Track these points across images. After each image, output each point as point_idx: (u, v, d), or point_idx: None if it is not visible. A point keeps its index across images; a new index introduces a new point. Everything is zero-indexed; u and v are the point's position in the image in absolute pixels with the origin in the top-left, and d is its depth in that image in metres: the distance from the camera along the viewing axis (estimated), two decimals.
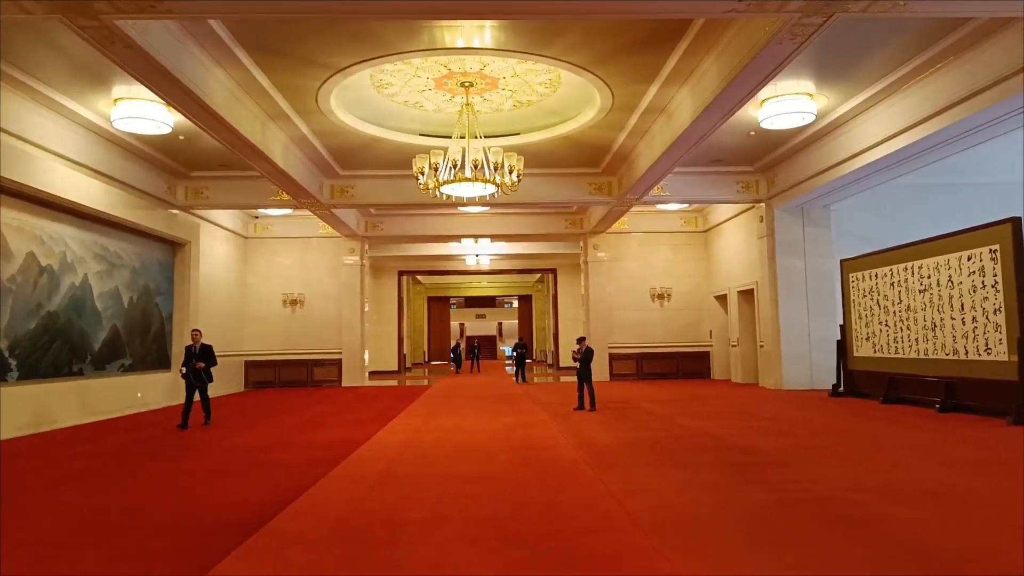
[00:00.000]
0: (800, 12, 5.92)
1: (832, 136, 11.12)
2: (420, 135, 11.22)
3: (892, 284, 10.54)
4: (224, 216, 15.54)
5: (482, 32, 7.47)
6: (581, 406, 10.39)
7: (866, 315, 11.24)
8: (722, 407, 10.52)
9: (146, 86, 7.30)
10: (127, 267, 11.68)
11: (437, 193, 9.55)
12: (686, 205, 16.47)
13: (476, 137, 9.40)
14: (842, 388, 11.75)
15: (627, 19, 5.93)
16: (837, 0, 5.80)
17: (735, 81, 7.43)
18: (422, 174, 9.35)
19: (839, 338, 12.05)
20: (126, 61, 6.65)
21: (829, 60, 8.54)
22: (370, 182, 13.31)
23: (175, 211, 13.23)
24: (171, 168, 12.39)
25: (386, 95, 9.84)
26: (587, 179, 13.40)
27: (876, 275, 10.97)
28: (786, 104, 9.62)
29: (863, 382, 11.29)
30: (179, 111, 8.13)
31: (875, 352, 10.99)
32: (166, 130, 9.72)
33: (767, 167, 13.22)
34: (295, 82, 8.67)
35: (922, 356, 9.78)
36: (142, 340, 12.16)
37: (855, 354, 11.58)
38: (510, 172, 9.32)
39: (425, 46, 7.72)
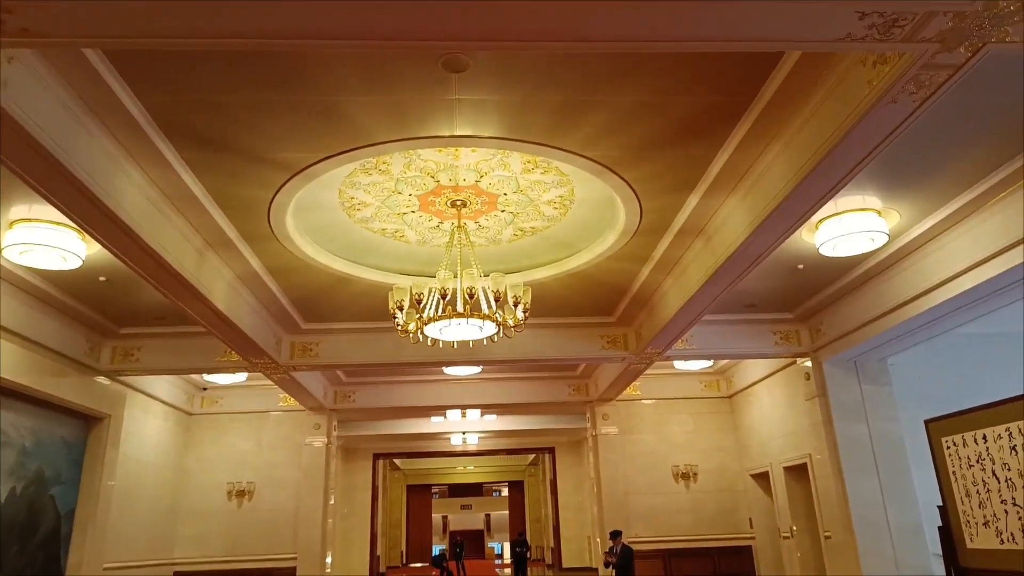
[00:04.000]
0: (940, 43, 4.17)
1: (895, 271, 9.28)
2: (401, 274, 9.23)
3: (1014, 448, 8.12)
4: (162, 386, 13.02)
5: (484, 113, 5.67)
6: None
7: (978, 492, 8.66)
8: None
9: (25, 180, 5.23)
10: (13, 446, 8.95)
11: (419, 337, 7.32)
12: (708, 365, 14.30)
13: (470, 266, 7.41)
14: None
15: (702, 49, 4.20)
16: (993, 24, 4.09)
17: (818, 168, 5.56)
18: (400, 310, 7.18)
19: (940, 524, 9.32)
20: None
21: (897, 170, 6.90)
22: (339, 338, 11.07)
23: (99, 378, 10.79)
24: (93, 322, 10.12)
25: (359, 220, 7.95)
26: (599, 330, 11.30)
27: (985, 438, 8.56)
28: (851, 222, 7.81)
29: None
30: (79, 224, 6.02)
31: (1002, 542, 8.27)
32: (74, 263, 7.57)
33: (809, 313, 11.27)
34: (239, 191, 6.73)
35: None
36: (22, 546, 9.10)
37: (969, 546, 8.81)
38: (515, 305, 7.19)
39: (411, 133, 5.89)
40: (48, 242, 7.14)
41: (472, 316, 7.02)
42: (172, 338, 10.89)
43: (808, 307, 10.99)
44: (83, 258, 7.55)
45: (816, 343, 11.47)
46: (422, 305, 7.09)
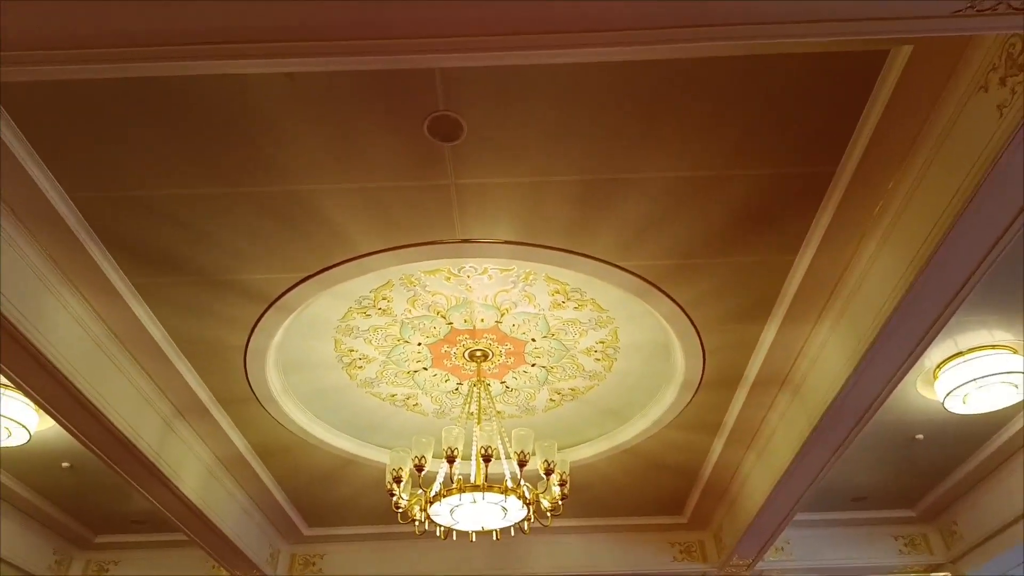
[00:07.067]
0: None
1: None
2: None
3: None
4: None
5: (491, 207, 4.54)
6: None
7: None
8: None
9: None
10: None
11: (422, 519, 5.56)
12: None
13: (489, 420, 5.87)
14: None
15: (768, 36, 3.07)
16: None
17: (935, 260, 4.08)
18: (397, 482, 5.52)
19: None
20: None
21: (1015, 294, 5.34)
22: (348, 547, 9.12)
23: None
24: (61, 526, 8.60)
25: (362, 383, 6.63)
26: (668, 535, 9.04)
27: None
28: (981, 365, 6.03)
29: None
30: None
31: None
32: (21, 437, 6.36)
33: (938, 508, 8.83)
34: (203, 332, 5.53)
35: None
36: None
37: None
38: (546, 474, 5.44)
39: (403, 238, 4.75)
40: None
41: (490, 490, 5.32)
42: (155, 548, 9.19)
43: (935, 499, 8.62)
44: (31, 432, 6.35)
45: (953, 551, 8.87)
46: (423, 475, 5.44)
